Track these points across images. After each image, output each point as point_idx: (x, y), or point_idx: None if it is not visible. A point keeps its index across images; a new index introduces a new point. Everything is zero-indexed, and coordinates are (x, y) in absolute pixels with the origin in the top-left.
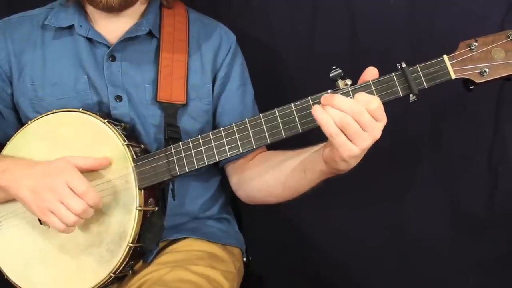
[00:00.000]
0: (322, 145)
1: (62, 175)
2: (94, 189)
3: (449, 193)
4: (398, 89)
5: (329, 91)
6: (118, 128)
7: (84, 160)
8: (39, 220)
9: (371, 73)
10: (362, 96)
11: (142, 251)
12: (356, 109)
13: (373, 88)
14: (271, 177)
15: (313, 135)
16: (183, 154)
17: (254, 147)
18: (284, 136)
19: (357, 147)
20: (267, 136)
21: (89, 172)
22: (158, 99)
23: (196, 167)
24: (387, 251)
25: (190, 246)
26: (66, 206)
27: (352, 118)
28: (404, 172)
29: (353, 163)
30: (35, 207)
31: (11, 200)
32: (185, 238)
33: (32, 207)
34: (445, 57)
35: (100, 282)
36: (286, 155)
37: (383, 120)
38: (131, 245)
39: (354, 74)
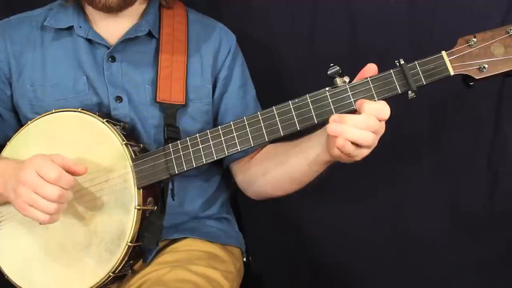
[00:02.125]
0: (320, 132)
1: (32, 166)
2: (65, 174)
3: (449, 192)
4: (396, 86)
5: (327, 88)
6: (117, 128)
7: (62, 158)
8: None
9: (370, 70)
10: (374, 105)
11: (141, 251)
12: (375, 128)
13: (371, 85)
14: (278, 173)
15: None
16: (181, 153)
17: (253, 145)
18: (282, 134)
19: (368, 150)
20: (265, 134)
21: (87, 172)
22: (157, 100)
23: (195, 165)
24: (387, 250)
25: (190, 246)
26: (41, 195)
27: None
28: (403, 170)
29: (358, 159)
30: (16, 205)
31: None
32: (185, 238)
33: (15, 206)
34: (443, 53)
35: (99, 282)
36: (287, 146)
37: (383, 131)
38: (130, 244)
39: (354, 74)
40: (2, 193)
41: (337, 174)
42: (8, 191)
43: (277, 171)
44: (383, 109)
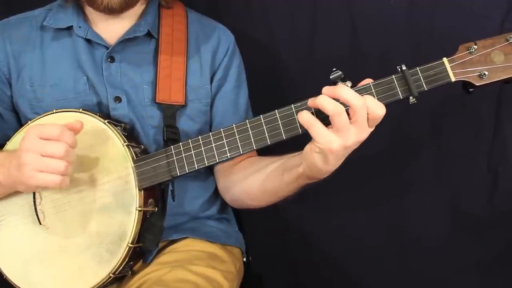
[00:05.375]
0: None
1: (31, 132)
2: (66, 129)
3: (449, 193)
4: (398, 91)
5: None
6: (118, 129)
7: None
8: (38, 220)
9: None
10: (370, 98)
11: (141, 252)
12: (360, 102)
13: (373, 90)
14: (253, 180)
15: None
16: (183, 155)
17: (255, 148)
18: (284, 138)
19: (339, 140)
20: (267, 137)
21: (88, 173)
22: (156, 100)
23: (196, 168)
24: (387, 251)
25: (190, 246)
26: (49, 155)
27: (343, 108)
28: (404, 172)
29: (332, 160)
30: (23, 177)
31: (11, 199)
32: (185, 238)
33: (22, 180)
34: (445, 59)
35: (99, 282)
36: (271, 159)
37: (373, 128)
38: (130, 245)
39: (354, 75)
40: (3, 182)
41: (338, 175)
42: (11, 174)
43: (255, 178)
44: (377, 105)
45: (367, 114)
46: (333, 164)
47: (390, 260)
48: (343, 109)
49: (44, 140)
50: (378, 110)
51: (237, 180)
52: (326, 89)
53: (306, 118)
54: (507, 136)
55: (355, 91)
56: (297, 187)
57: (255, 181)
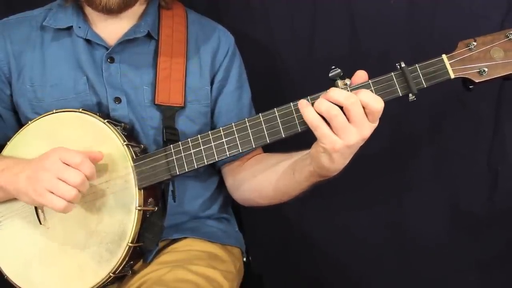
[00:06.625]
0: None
1: (55, 154)
2: (88, 160)
3: (449, 192)
4: (397, 88)
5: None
6: (118, 128)
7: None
8: (39, 221)
9: (359, 76)
10: (366, 92)
11: (141, 251)
12: (350, 101)
13: (372, 88)
14: (263, 178)
15: (313, 135)
16: (182, 154)
17: (254, 146)
18: (283, 136)
19: (341, 140)
20: (266, 136)
21: None
22: (156, 102)
23: (196, 167)
24: (387, 250)
25: (190, 246)
26: (64, 180)
27: (339, 110)
28: (404, 171)
29: (338, 159)
30: (32, 192)
31: (11, 200)
32: (185, 238)
33: (29, 193)
34: (444, 56)
35: (99, 282)
36: (280, 157)
37: (376, 122)
38: (130, 245)
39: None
40: (4, 186)
41: (337, 175)
42: (19, 182)
43: (265, 177)
44: (374, 99)
45: (364, 109)
46: (340, 162)
47: (390, 259)
48: (338, 110)
49: (64, 164)
50: (375, 103)
51: (246, 178)
52: (322, 96)
53: (311, 118)
54: (507, 135)
55: (353, 89)
56: (309, 185)
57: (266, 180)
